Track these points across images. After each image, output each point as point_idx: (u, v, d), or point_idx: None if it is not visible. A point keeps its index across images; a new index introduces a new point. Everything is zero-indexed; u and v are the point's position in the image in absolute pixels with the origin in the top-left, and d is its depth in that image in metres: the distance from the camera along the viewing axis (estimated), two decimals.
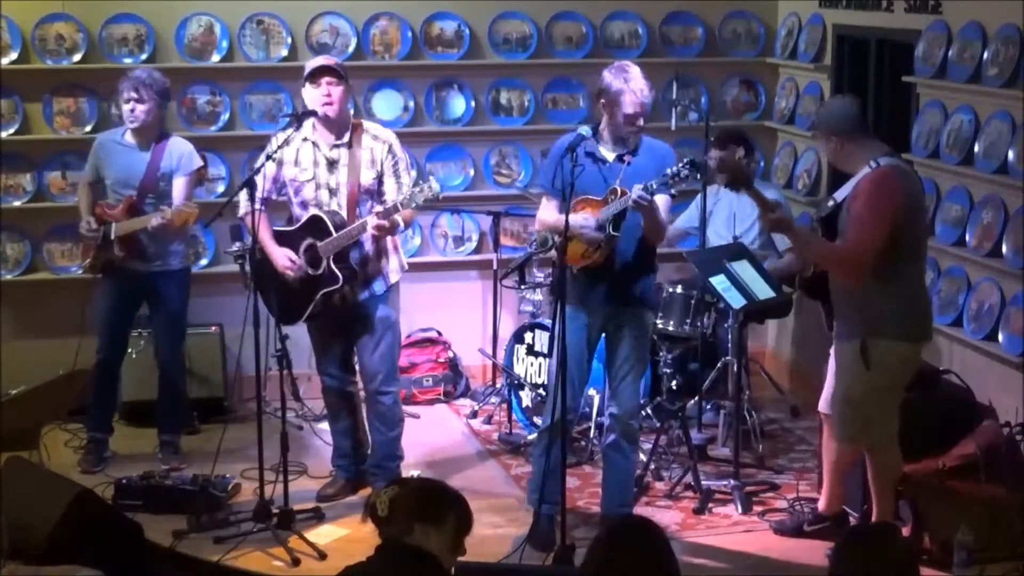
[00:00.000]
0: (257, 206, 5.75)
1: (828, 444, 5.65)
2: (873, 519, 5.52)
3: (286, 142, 5.88)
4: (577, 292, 5.58)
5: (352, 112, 6.07)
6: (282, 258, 5.93)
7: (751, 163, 7.25)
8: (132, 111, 6.36)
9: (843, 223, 5.25)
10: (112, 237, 6.38)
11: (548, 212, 5.74)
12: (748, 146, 7.18)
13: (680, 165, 5.39)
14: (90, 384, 6.52)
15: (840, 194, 5.37)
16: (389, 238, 5.99)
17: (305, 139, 5.94)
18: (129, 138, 6.44)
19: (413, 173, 6.08)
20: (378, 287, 6.00)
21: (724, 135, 7.14)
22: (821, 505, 5.77)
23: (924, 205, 5.52)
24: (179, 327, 6.72)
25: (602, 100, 5.58)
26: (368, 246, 5.94)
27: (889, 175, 5.21)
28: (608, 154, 5.59)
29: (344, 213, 5.87)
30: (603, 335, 5.73)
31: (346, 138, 5.91)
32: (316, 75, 5.85)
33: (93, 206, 6.50)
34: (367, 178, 5.88)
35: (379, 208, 5.73)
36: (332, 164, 5.91)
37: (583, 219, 5.46)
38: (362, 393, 6.27)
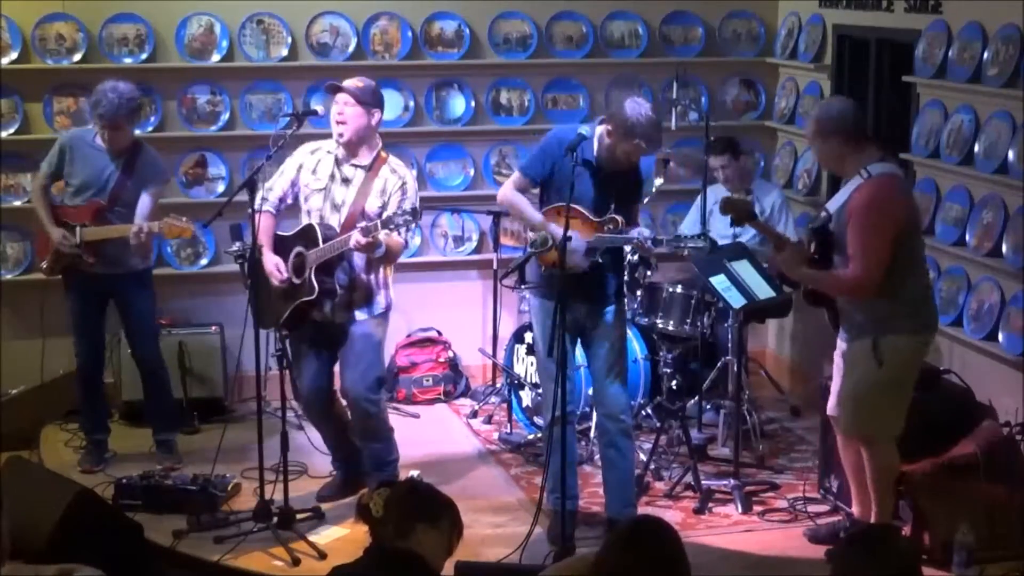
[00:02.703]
0: (260, 207, 5.77)
1: (845, 449, 5.62)
2: (873, 519, 5.52)
3: (284, 141, 5.86)
4: (551, 285, 5.58)
5: (377, 140, 5.97)
6: (270, 263, 5.91)
7: (749, 164, 7.27)
8: (107, 138, 6.32)
9: (838, 234, 5.24)
10: (79, 242, 6.35)
11: (512, 190, 5.73)
12: (735, 151, 7.22)
13: (699, 238, 5.43)
14: (76, 389, 6.51)
15: (832, 204, 5.36)
16: (381, 272, 5.96)
17: (329, 152, 5.95)
18: (101, 142, 6.38)
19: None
20: (360, 315, 5.95)
21: (717, 142, 7.17)
22: (856, 511, 5.68)
23: (917, 208, 5.51)
24: (150, 326, 6.69)
25: (611, 125, 5.51)
26: (359, 270, 5.91)
27: (883, 187, 5.19)
28: (607, 166, 5.57)
29: (339, 231, 5.84)
30: (581, 331, 5.74)
31: (366, 161, 5.89)
32: (332, 90, 5.88)
33: (52, 207, 6.46)
34: (372, 205, 5.84)
35: (362, 224, 5.69)
36: (346, 181, 5.90)
37: (574, 240, 5.40)
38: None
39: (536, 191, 5.76)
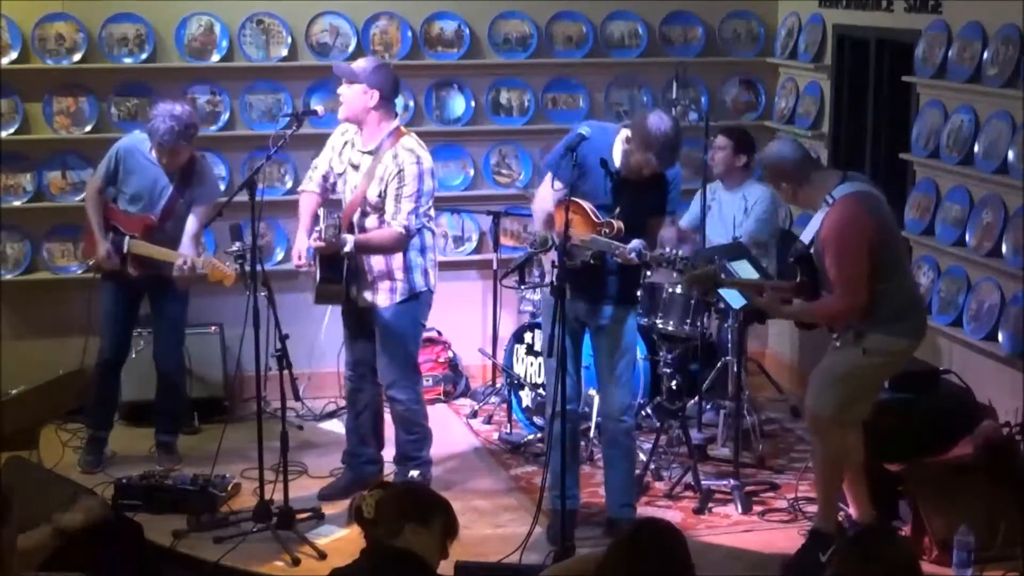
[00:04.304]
0: (304, 185, 6.09)
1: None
2: (818, 516, 5.55)
3: (284, 141, 5.89)
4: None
5: (394, 122, 5.96)
6: (295, 253, 6.13)
7: (750, 163, 7.26)
8: (165, 161, 6.32)
9: (818, 260, 5.26)
10: (125, 251, 6.36)
11: (545, 193, 5.72)
12: (747, 147, 7.20)
13: (679, 258, 5.36)
14: (92, 384, 6.51)
15: (805, 236, 5.35)
16: (399, 259, 5.95)
17: (352, 136, 6.01)
18: (156, 155, 6.36)
19: (412, 205, 5.88)
20: (382, 301, 5.99)
21: (734, 130, 7.19)
22: (854, 512, 5.65)
23: (889, 219, 5.42)
24: (179, 330, 6.72)
25: (630, 132, 5.51)
26: (370, 256, 5.95)
27: (846, 208, 5.18)
28: (622, 169, 5.57)
29: (342, 217, 5.91)
30: (583, 329, 5.76)
31: (371, 146, 5.91)
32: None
33: (104, 209, 6.45)
34: (372, 193, 5.87)
35: (318, 228, 5.81)
36: (355, 168, 5.95)
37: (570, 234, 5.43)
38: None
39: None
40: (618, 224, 5.47)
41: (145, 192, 6.40)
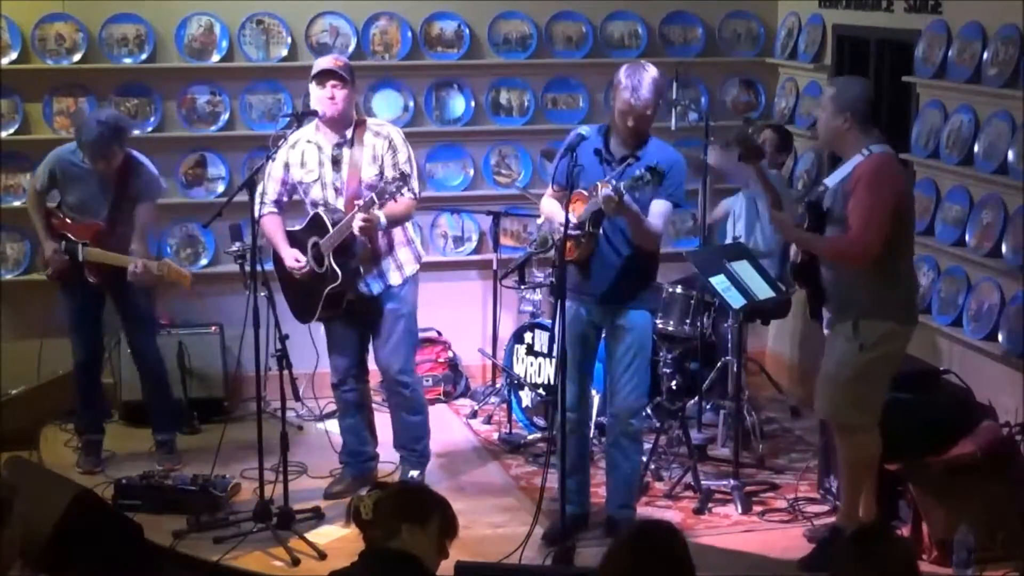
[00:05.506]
0: (260, 211, 5.92)
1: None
2: (840, 512, 5.55)
3: (283, 141, 5.91)
4: (574, 287, 5.60)
5: (354, 111, 6.09)
6: (289, 258, 6.02)
7: (785, 163, 7.28)
8: (98, 168, 6.27)
9: (836, 210, 5.25)
10: (81, 259, 6.33)
11: (547, 200, 5.81)
12: (787, 146, 7.25)
13: (642, 170, 5.31)
14: (74, 388, 6.50)
15: (831, 180, 5.37)
16: (400, 231, 6.04)
17: (309, 141, 6.00)
18: (89, 162, 6.30)
19: (411, 170, 6.01)
20: (393, 279, 6.05)
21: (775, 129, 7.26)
22: (861, 513, 5.61)
23: (912, 195, 5.55)
24: (149, 324, 6.70)
25: (611, 91, 5.59)
26: (379, 241, 5.97)
27: (887, 162, 5.26)
28: (617, 151, 5.59)
29: (344, 211, 5.90)
30: (598, 331, 5.75)
31: (348, 136, 5.95)
32: (322, 77, 5.89)
33: (48, 217, 6.44)
34: (369, 174, 5.90)
35: (359, 201, 5.76)
36: (336, 163, 5.96)
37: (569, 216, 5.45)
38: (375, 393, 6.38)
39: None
40: (601, 182, 5.45)
41: (88, 200, 6.38)
